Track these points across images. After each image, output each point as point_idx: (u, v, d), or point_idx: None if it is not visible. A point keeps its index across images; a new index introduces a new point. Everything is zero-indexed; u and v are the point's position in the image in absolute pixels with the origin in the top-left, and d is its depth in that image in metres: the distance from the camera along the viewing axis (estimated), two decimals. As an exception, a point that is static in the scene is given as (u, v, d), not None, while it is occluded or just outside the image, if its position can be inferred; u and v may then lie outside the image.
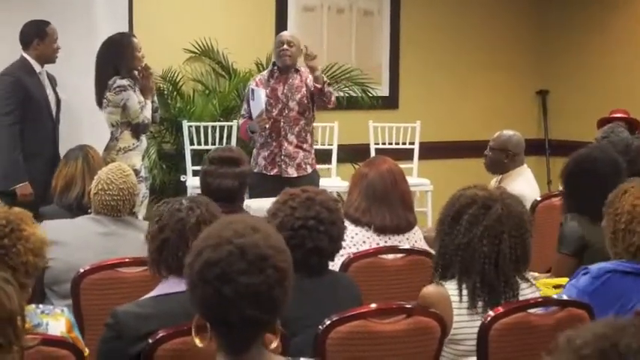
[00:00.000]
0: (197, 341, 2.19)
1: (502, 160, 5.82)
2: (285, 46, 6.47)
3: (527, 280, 3.44)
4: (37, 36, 6.29)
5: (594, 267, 3.63)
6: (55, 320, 3.11)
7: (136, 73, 6.29)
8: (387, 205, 4.36)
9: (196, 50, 8.22)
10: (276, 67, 6.58)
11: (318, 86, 6.40)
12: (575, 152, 4.78)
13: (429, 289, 3.37)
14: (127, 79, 6.21)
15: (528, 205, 5.27)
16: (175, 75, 8.10)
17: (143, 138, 6.38)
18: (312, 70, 6.42)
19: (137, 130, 6.25)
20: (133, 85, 6.24)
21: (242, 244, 2.12)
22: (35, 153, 6.13)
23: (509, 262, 3.32)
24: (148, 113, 6.28)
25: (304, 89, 6.50)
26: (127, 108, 6.18)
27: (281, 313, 2.20)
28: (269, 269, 2.12)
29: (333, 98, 6.49)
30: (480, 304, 3.30)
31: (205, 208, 3.20)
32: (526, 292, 3.40)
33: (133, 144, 6.25)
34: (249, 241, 2.13)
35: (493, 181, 5.84)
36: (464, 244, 3.32)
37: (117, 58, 6.24)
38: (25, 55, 6.30)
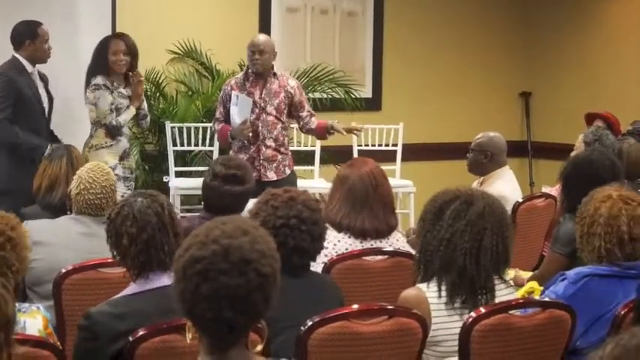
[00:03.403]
0: (188, 337, 2.19)
1: (481, 161, 5.84)
2: (257, 55, 6.37)
3: (505, 281, 3.45)
4: (29, 36, 6.29)
5: (571, 272, 3.64)
6: (32, 318, 3.13)
7: (130, 78, 6.41)
8: (368, 209, 4.33)
9: (179, 51, 8.21)
10: (251, 71, 6.51)
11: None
12: (573, 154, 4.82)
13: (408, 293, 3.37)
14: (103, 77, 6.33)
15: (509, 207, 5.30)
16: (158, 76, 8.09)
17: (123, 139, 6.45)
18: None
19: (109, 130, 6.33)
20: (110, 85, 6.34)
21: (227, 244, 2.12)
22: None
23: (490, 259, 3.33)
24: (122, 117, 6.38)
25: (282, 94, 6.46)
26: (97, 107, 6.30)
27: (259, 319, 2.20)
28: (250, 273, 2.11)
29: None
30: (457, 302, 3.31)
31: (163, 199, 3.27)
32: (503, 293, 3.41)
33: (106, 142, 6.36)
34: (235, 243, 2.13)
35: (474, 183, 5.85)
36: (446, 239, 3.32)
37: (97, 57, 6.41)
38: (17, 55, 6.30)
